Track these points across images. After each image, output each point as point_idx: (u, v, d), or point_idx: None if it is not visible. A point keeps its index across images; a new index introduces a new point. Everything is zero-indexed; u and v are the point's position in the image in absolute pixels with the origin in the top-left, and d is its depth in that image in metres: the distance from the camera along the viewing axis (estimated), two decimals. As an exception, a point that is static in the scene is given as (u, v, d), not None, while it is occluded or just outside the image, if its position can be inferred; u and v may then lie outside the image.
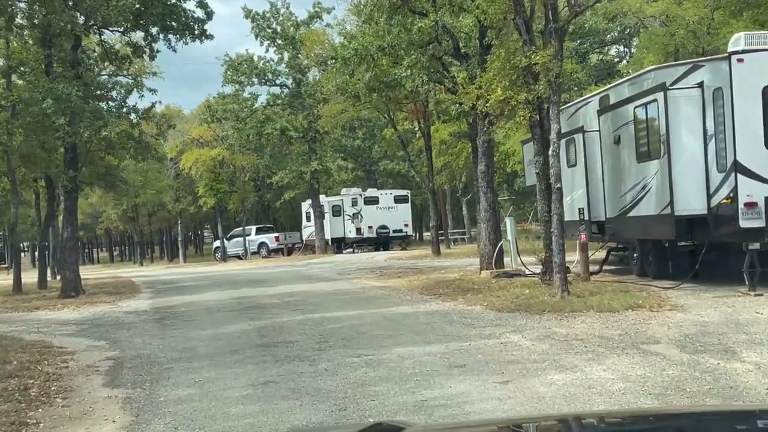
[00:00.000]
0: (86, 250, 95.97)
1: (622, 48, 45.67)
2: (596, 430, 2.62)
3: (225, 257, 52.13)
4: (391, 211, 48.26)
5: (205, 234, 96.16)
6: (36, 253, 51.08)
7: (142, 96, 26.64)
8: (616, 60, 44.93)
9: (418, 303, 16.59)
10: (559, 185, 15.32)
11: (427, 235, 69.24)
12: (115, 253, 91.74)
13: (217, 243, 55.32)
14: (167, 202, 58.73)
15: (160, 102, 26.33)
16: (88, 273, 53.26)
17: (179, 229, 59.97)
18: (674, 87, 15.49)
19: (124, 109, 24.32)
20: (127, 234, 74.21)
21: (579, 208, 18.28)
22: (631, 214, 17.27)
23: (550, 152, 15.40)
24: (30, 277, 35.30)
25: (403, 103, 33.49)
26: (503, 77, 16.53)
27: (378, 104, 33.00)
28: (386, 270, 27.99)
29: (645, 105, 16.31)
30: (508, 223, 21.59)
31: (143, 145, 25.00)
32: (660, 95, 15.53)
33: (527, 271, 20.69)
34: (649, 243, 17.86)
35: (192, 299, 20.94)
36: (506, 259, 21.76)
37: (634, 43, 39.56)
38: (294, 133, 45.37)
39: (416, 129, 41.28)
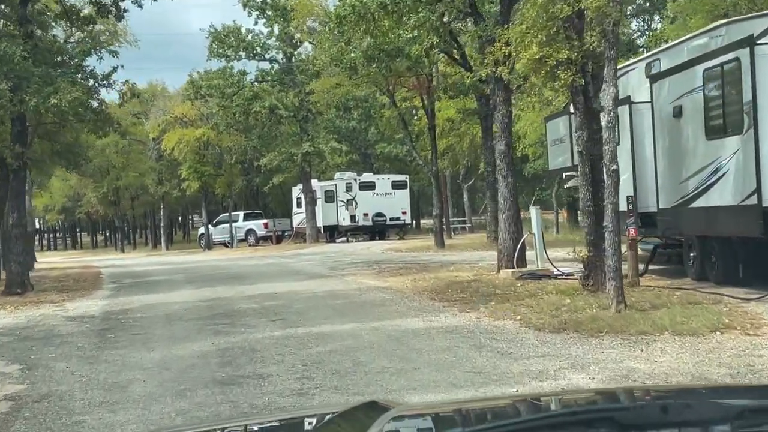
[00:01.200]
0: (67, 236, 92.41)
1: (642, 22, 42.23)
2: (601, 406, 2.57)
3: (209, 245, 48.66)
4: (388, 198, 44.83)
5: (195, 219, 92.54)
6: None
7: (101, 59, 22.82)
8: (635, 35, 41.49)
9: (430, 313, 13.18)
10: (615, 166, 11.88)
11: (424, 223, 65.90)
12: (99, 239, 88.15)
13: (202, 230, 51.81)
14: (149, 186, 55.18)
15: (123, 67, 22.51)
16: (60, 261, 49.96)
17: (162, 214, 56.38)
18: (763, 42, 12.08)
19: (80, 75, 20.69)
20: (109, 219, 70.57)
21: (627, 197, 14.84)
22: (696, 204, 13.85)
23: (604, 123, 11.94)
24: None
25: (405, 76, 30.01)
26: (539, 30, 13.09)
27: (377, 78, 29.51)
28: (385, 264, 24.60)
29: (721, 66, 12.87)
30: (533, 213, 18.17)
31: (103, 116, 21.45)
32: (744, 52, 12.10)
33: (555, 272, 17.34)
34: (712, 241, 14.46)
35: (155, 300, 17.52)
36: (527, 255, 18.39)
37: (660, 17, 36.19)
38: (284, 111, 41.87)
39: (417, 108, 37.92)
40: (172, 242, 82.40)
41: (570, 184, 22.47)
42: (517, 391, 7.68)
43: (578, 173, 14.17)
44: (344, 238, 44.92)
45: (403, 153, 52.33)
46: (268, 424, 3.25)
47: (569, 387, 7.75)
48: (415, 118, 40.91)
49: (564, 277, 16.60)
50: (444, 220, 41.79)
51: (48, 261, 47.36)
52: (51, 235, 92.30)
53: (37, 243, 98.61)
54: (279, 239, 50.59)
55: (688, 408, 2.32)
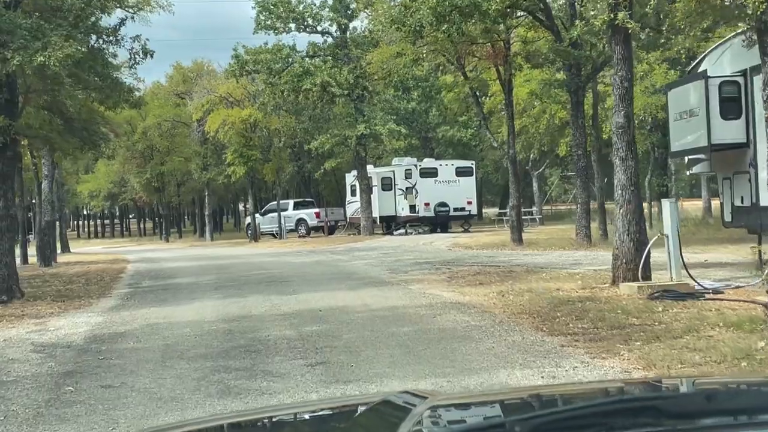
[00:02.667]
0: (116, 223, 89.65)
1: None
2: (642, 395, 2.54)
3: (256, 236, 44.75)
4: (451, 186, 40.41)
5: (249, 207, 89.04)
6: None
7: (106, 12, 18.35)
8: None
9: (545, 359, 8.78)
10: None
11: (489, 212, 61.17)
12: (148, 226, 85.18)
13: (249, 219, 47.90)
14: (193, 171, 51.50)
15: (133, 19, 18.20)
16: (95, 252, 46.43)
17: (206, 202, 52.60)
18: None
19: (80, 29, 16.53)
20: (153, 206, 67.30)
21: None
22: None
23: None
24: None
25: (478, 42, 25.51)
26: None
27: (444, 44, 25.07)
28: (457, 267, 20.23)
29: None
30: (668, 208, 13.56)
31: (110, 81, 17.37)
32: None
33: (698, 286, 12.80)
34: None
35: (164, 317, 13.40)
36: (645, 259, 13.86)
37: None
38: (337, 89, 37.67)
39: (488, 83, 33.42)
40: (222, 230, 79.18)
41: (696, 170, 17.84)
42: None
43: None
44: (402, 230, 40.64)
45: (467, 137, 47.90)
46: (301, 415, 3.04)
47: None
48: (486, 96, 36.35)
49: (716, 296, 12.06)
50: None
51: (83, 251, 43.95)
52: (98, 222, 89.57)
53: (75, 231, 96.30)
54: (331, 230, 46.57)
55: (734, 397, 2.39)
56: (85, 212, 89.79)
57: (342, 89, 37.81)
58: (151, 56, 18.11)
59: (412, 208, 40.80)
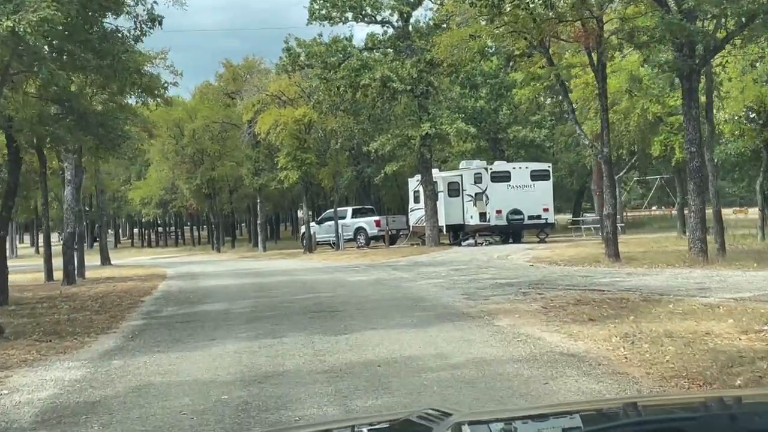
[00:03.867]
0: (169, 231, 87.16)
1: None
2: (667, 416, 2.54)
3: (311, 247, 41.16)
4: (526, 191, 36.35)
5: (303, 215, 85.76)
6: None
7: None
8: None
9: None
10: None
11: (558, 220, 56.62)
12: (203, 234, 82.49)
13: (304, 228, 44.32)
14: (244, 177, 48.21)
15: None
16: (134, 263, 43.18)
17: (258, 210, 49.13)
18: None
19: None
20: (205, 214, 64.38)
21: None
22: None
23: None
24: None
25: (566, 21, 21.46)
26: None
27: (526, 23, 21.10)
28: (548, 290, 16.26)
29: None
30: None
31: (111, 60, 13.79)
32: None
33: None
34: None
35: (165, 370, 9.73)
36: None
37: None
38: (399, 84, 33.89)
39: (574, 68, 29.28)
40: (279, 238, 76.06)
41: None
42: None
43: None
44: (471, 241, 36.67)
45: (541, 137, 43.74)
46: None
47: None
48: (573, 82, 32.17)
49: None
50: (578, 218, 33.00)
51: (124, 264, 40.96)
52: (151, 231, 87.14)
53: (130, 239, 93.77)
54: (393, 240, 42.81)
55: (758, 417, 2.34)
56: (139, 220, 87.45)
57: (404, 84, 34.03)
58: (160, 24, 14.46)
59: (482, 215, 36.81)
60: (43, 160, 25.90)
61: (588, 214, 45.72)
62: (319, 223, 46.85)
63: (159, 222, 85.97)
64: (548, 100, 56.50)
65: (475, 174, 37.30)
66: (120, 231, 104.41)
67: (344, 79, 34.10)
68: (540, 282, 18.19)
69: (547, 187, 36.87)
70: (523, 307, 14.14)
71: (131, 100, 27.13)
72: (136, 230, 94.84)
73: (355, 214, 46.31)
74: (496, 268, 23.38)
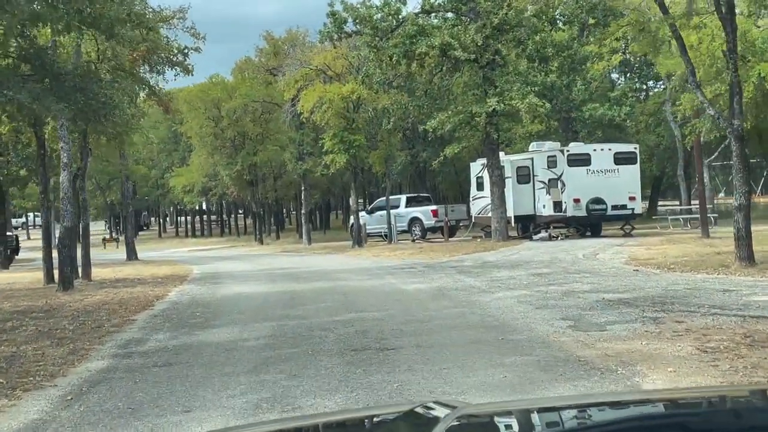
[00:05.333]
0: (212, 220, 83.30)
1: None
2: (672, 412, 2.53)
3: (360, 239, 36.58)
4: (609, 177, 31.33)
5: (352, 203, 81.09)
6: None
7: None
8: None
9: None
10: None
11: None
12: (249, 223, 78.56)
13: (353, 219, 39.72)
14: (287, 161, 43.82)
15: None
16: (164, 257, 38.98)
17: (302, 198, 44.51)
18: None
19: None
20: (246, 203, 60.26)
21: None
22: None
23: None
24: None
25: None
26: None
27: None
28: (686, 315, 11.43)
29: None
30: None
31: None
32: None
33: None
34: None
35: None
36: None
37: None
38: (461, 53, 29.05)
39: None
40: (329, 228, 71.72)
41: None
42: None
43: None
44: (545, 234, 31.75)
45: (622, 116, 38.54)
46: (329, 425, 2.99)
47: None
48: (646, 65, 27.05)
49: None
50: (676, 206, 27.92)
51: (151, 258, 36.91)
52: (195, 219, 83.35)
53: (174, 228, 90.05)
54: (452, 231, 38.09)
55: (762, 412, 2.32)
56: (184, 209, 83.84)
57: (467, 53, 29.18)
58: None
59: (557, 205, 31.86)
60: (41, 139, 21.70)
61: (663, 203, 40.36)
62: (369, 212, 42.34)
63: (205, 210, 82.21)
64: (621, 78, 51.16)
65: (548, 157, 32.37)
66: (168, 219, 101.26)
67: (397, 47, 29.35)
68: (665, 299, 13.32)
69: (633, 172, 31.76)
70: (668, 348, 9.34)
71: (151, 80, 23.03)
72: (182, 219, 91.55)
73: (410, 202, 41.71)
74: (591, 273, 18.50)
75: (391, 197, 39.51)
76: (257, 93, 44.29)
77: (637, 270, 18.44)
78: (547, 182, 32.27)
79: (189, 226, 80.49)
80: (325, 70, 36.18)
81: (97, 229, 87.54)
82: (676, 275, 16.94)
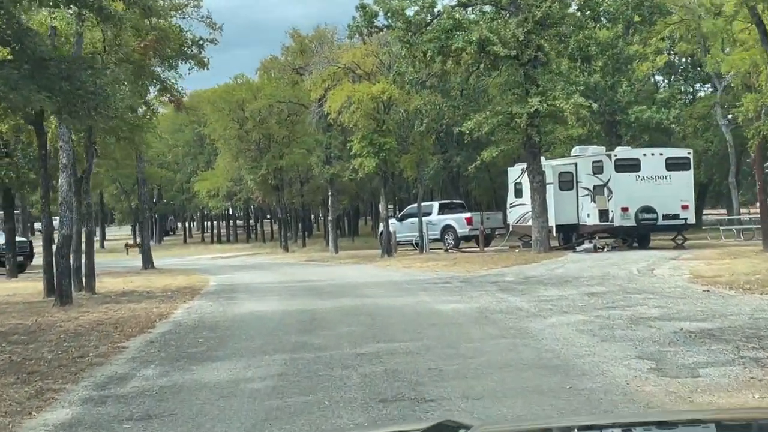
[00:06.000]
0: (237, 225, 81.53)
1: None
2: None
3: (390, 249, 34.39)
4: (660, 184, 28.95)
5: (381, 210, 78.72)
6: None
7: None
8: None
9: None
10: None
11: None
12: (275, 228, 76.65)
13: (382, 226, 37.50)
14: (313, 165, 41.79)
15: None
16: (190, 263, 37.33)
17: (329, 204, 42.32)
18: None
19: None
20: (272, 208, 58.32)
21: None
22: None
23: None
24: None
25: None
26: None
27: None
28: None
29: None
30: None
31: None
32: None
33: None
34: None
35: None
36: None
37: None
38: (501, 49, 26.83)
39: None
40: (358, 234, 69.62)
41: None
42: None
43: None
44: (589, 245, 29.40)
45: (670, 119, 36.12)
46: None
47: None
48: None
49: None
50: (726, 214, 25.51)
51: (168, 266, 35.03)
52: (221, 225, 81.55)
53: (200, 233, 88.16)
54: (487, 240, 35.82)
55: None
56: (209, 214, 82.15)
57: (507, 49, 26.94)
58: None
59: (603, 214, 29.51)
60: (43, 140, 19.79)
61: (708, 212, 37.68)
62: (399, 219, 40.18)
63: (230, 215, 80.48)
64: (665, 81, 48.66)
65: (594, 162, 30.02)
66: (194, 225, 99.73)
67: (432, 42, 27.20)
68: (758, 332, 11.04)
69: (686, 178, 29.33)
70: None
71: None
72: (208, 224, 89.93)
73: (442, 209, 39.51)
74: (654, 293, 16.19)
75: (422, 204, 37.30)
76: (283, 93, 42.29)
77: (708, 290, 16.09)
78: (592, 189, 29.94)
79: (215, 231, 78.72)
80: (354, 68, 34.08)
81: (123, 234, 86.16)
82: (757, 298, 14.60)
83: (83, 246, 20.88)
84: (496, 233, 38.44)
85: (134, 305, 17.74)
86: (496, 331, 12.19)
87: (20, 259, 36.10)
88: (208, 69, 20.60)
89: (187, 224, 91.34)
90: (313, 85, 35.25)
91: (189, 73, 21.51)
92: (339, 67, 34.24)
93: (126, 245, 61.11)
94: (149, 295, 20.16)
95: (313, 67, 36.57)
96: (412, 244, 38.36)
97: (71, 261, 21.22)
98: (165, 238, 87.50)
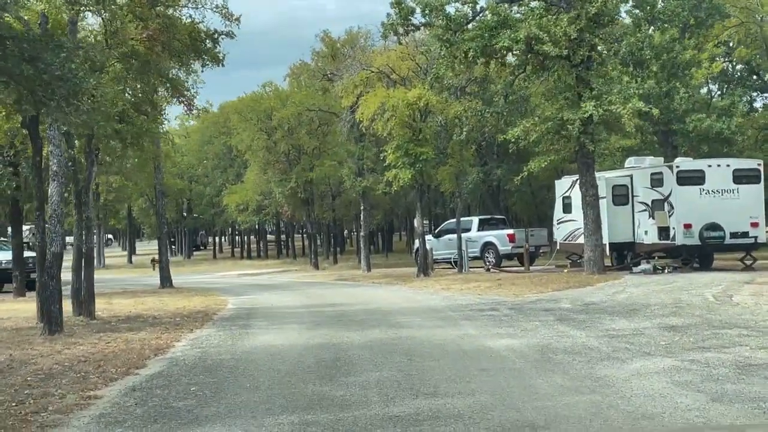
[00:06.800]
0: (268, 241, 79.33)
1: None
2: None
3: (426, 267, 31.74)
4: (727, 199, 26.12)
5: (417, 226, 75.84)
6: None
7: None
8: None
9: None
10: None
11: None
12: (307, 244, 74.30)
13: (418, 242, 34.84)
14: (344, 177, 39.34)
15: None
16: (212, 281, 35.12)
17: (361, 218, 39.71)
18: None
19: None
20: (302, 223, 55.94)
21: None
22: None
23: None
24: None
25: None
26: None
27: None
28: None
29: None
30: None
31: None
32: None
33: None
34: None
35: None
36: None
37: None
38: (551, 48, 24.19)
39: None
40: (390, 250, 67.11)
41: None
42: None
43: None
44: (647, 266, 26.56)
45: (732, 128, 33.24)
46: None
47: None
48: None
49: None
50: None
51: (187, 285, 32.71)
52: (251, 239, 79.31)
53: (231, 248, 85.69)
54: (531, 259, 33.10)
55: None
56: (239, 228, 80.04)
57: (559, 49, 24.30)
58: None
59: (663, 231, 26.67)
60: (38, 145, 17.46)
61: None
62: (436, 236, 37.60)
63: (261, 230, 78.28)
64: (718, 89, 45.62)
65: (652, 174, 27.23)
66: (225, 239, 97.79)
67: (474, 41, 24.65)
68: None
69: (756, 192, 26.38)
70: None
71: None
72: (239, 239, 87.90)
73: (482, 225, 36.86)
74: (746, 327, 13.42)
75: (461, 219, 34.67)
76: (312, 100, 39.92)
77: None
78: (650, 204, 27.14)
79: (245, 246, 76.57)
80: (389, 72, 31.61)
81: (152, 248, 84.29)
82: None
83: (84, 263, 18.51)
84: (541, 251, 35.71)
85: (132, 335, 15.31)
86: (566, 381, 9.55)
87: (33, 276, 34.14)
88: (223, 65, 18.23)
89: (217, 239, 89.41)
90: (345, 91, 32.79)
91: (203, 71, 18.99)
92: (372, 72, 31.77)
93: (152, 260, 59.05)
94: (154, 322, 17.74)
95: (344, 71, 34.14)
96: (449, 262, 35.77)
97: (72, 281, 18.95)
98: (195, 253, 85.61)
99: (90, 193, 18.09)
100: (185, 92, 18.50)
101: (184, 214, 76.69)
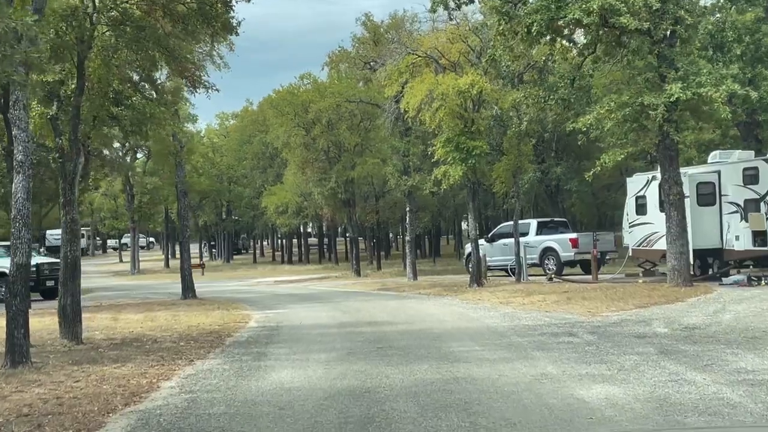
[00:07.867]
0: (309, 245, 76.13)
1: None
2: None
3: (479, 276, 28.14)
4: (836, 198, 22.11)
5: (469, 229, 71.89)
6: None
7: None
8: None
9: None
10: None
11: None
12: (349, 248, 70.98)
13: (469, 248, 31.22)
14: (388, 176, 35.90)
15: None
16: (242, 290, 32.13)
17: (407, 221, 36.09)
18: None
19: None
20: (343, 226, 52.62)
21: None
22: None
23: None
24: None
25: None
26: None
27: None
28: None
29: None
30: None
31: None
32: None
33: None
34: None
35: None
36: None
37: None
38: (630, 21, 20.49)
39: None
40: (438, 255, 63.58)
41: None
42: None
43: None
44: (740, 276, 22.73)
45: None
46: None
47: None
48: None
49: None
50: None
51: (211, 295, 29.58)
52: (292, 243, 76.15)
53: (253, 254, 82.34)
54: (598, 266, 29.35)
55: None
56: (279, 231, 77.07)
57: (639, 21, 20.61)
58: None
59: (759, 236, 22.84)
60: (10, 130, 14.35)
61: None
62: (490, 240, 34.02)
63: (302, 233, 75.21)
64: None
65: (745, 170, 23.41)
66: (266, 243, 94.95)
67: (539, 13, 21.05)
68: None
69: None
70: None
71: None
72: (280, 242, 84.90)
73: (541, 229, 33.22)
74: None
75: (519, 221, 31.06)
76: (353, 91, 36.56)
77: None
78: (742, 204, 23.31)
79: (285, 250, 73.51)
80: (437, 57, 28.07)
81: (192, 252, 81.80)
82: None
83: (69, 275, 15.31)
84: (608, 258, 31.94)
85: (114, 369, 12.03)
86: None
87: (50, 284, 31.33)
88: (237, 35, 15.00)
89: (257, 242, 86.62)
90: (388, 79, 29.31)
91: (212, 43, 15.73)
92: (419, 56, 28.27)
93: (196, 266, 56.19)
94: (152, 347, 14.47)
95: (388, 56, 30.67)
96: (505, 270, 32.19)
97: (59, 297, 15.79)
98: (235, 257, 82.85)
99: (76, 189, 14.91)
100: (189, 66, 15.27)
101: (223, 217, 73.99)
